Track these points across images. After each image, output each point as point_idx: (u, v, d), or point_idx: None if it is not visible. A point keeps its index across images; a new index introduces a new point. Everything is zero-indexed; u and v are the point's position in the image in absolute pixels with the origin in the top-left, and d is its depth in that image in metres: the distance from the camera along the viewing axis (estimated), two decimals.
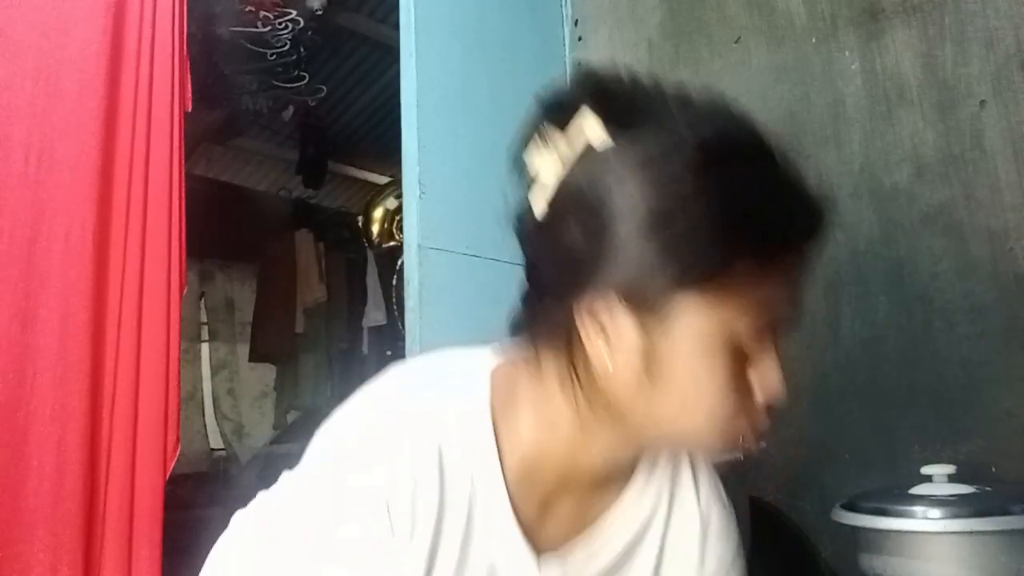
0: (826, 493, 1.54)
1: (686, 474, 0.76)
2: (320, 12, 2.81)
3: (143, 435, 1.44)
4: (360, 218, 4.14)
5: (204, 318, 4.33)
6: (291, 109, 3.46)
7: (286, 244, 4.12)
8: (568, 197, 0.60)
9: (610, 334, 0.58)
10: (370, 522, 0.62)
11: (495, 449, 0.65)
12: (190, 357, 4.14)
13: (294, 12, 2.81)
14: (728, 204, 0.56)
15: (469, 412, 0.66)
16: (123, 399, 1.44)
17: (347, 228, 4.37)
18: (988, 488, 1.11)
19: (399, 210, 3.67)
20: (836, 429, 1.55)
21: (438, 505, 0.64)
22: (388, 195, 3.97)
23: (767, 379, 0.61)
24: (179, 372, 1.50)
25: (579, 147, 0.60)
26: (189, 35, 1.63)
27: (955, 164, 1.41)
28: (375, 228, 4.11)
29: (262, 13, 2.78)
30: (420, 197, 1.81)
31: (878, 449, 1.47)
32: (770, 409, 0.63)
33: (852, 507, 1.14)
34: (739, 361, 0.59)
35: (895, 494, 1.13)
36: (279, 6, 2.79)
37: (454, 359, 0.71)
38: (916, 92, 1.47)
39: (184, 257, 1.55)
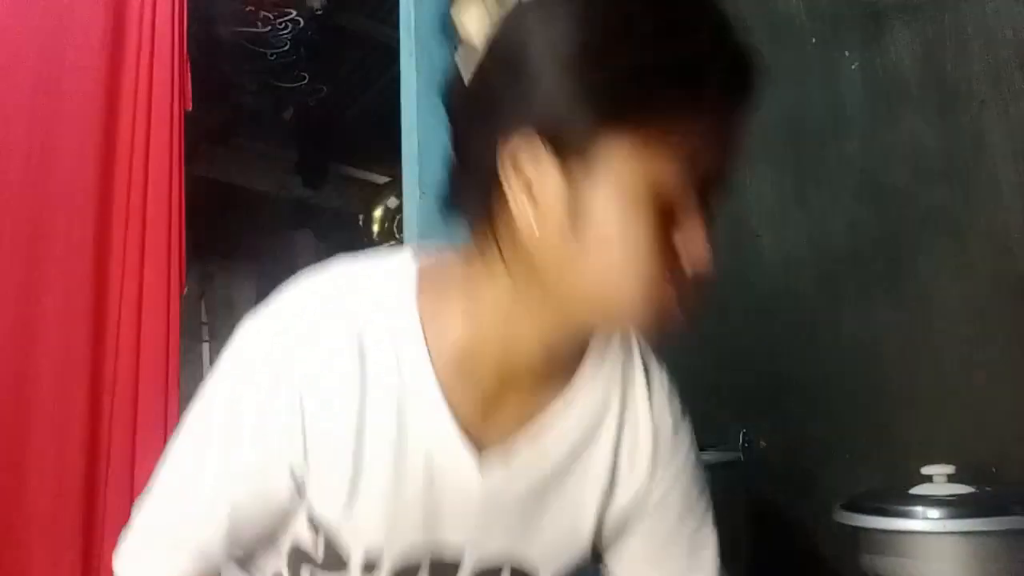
0: (826, 493, 1.54)
1: (639, 378, 0.73)
2: (320, 12, 2.81)
3: (142, 435, 1.44)
4: (361, 217, 4.14)
5: (205, 318, 4.32)
6: (291, 109, 3.46)
7: (286, 244, 4.12)
8: (497, 52, 0.58)
9: (533, 181, 0.56)
10: (278, 408, 0.62)
11: (422, 340, 0.63)
12: (191, 357, 4.13)
13: (294, 12, 2.81)
14: (657, 39, 0.54)
15: (392, 302, 0.64)
16: (123, 399, 1.44)
17: (347, 228, 4.37)
18: (988, 488, 1.11)
19: (400, 209, 3.67)
20: (836, 429, 1.54)
21: (359, 397, 0.62)
22: (389, 194, 3.97)
23: (693, 244, 0.58)
24: (179, 372, 1.50)
25: (509, 3, 0.59)
26: (189, 35, 1.63)
27: (955, 164, 1.40)
28: (376, 227, 4.11)
29: (262, 13, 2.78)
30: (420, 197, 1.81)
31: (878, 449, 1.47)
32: (698, 281, 0.59)
33: (852, 507, 1.14)
34: (666, 222, 0.56)
35: (895, 494, 1.13)
36: (279, 6, 2.79)
37: (374, 259, 0.69)
38: (916, 92, 1.47)
39: (184, 257, 1.55)
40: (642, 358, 0.74)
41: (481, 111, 0.59)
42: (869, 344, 1.51)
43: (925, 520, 1.04)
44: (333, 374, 0.62)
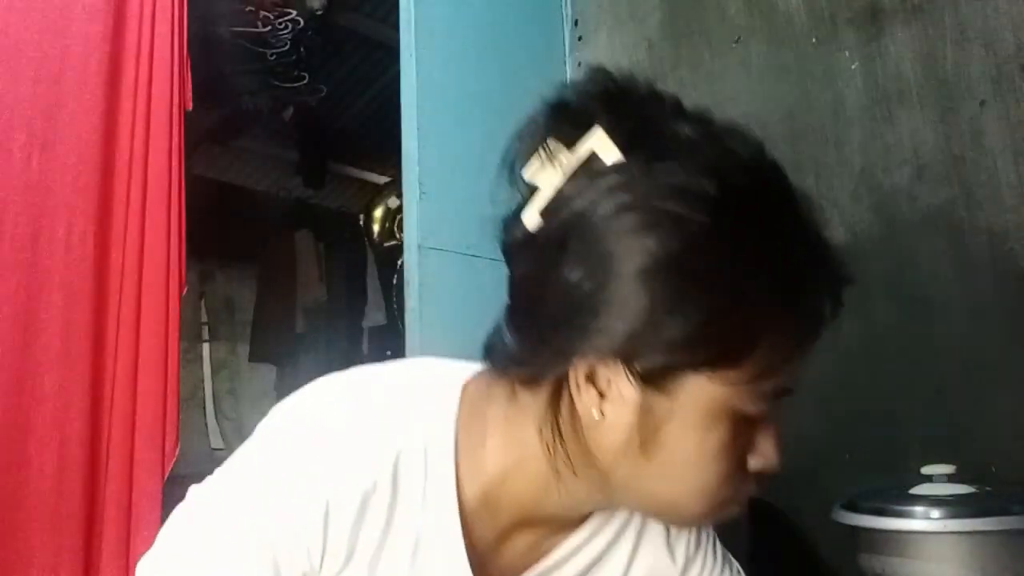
0: (826, 493, 1.53)
1: (656, 528, 0.71)
2: (320, 12, 2.81)
3: (141, 435, 1.44)
4: (362, 217, 4.15)
5: (205, 318, 4.32)
6: (291, 109, 3.46)
7: (286, 244, 4.12)
8: (566, 213, 0.52)
9: (606, 395, 0.53)
10: (300, 518, 0.58)
11: (453, 476, 0.60)
12: (191, 357, 4.13)
13: (294, 12, 2.82)
14: (756, 264, 0.50)
15: (433, 427, 0.60)
16: (122, 399, 1.44)
17: (347, 228, 4.37)
18: (988, 488, 1.11)
19: (400, 209, 3.67)
20: (836, 429, 1.54)
21: (386, 517, 0.59)
22: (389, 193, 3.97)
23: (766, 450, 0.56)
24: (178, 372, 1.50)
25: (583, 156, 0.53)
26: (189, 35, 1.63)
27: (955, 164, 1.40)
28: (376, 227, 4.12)
29: (262, 13, 2.78)
30: (420, 197, 1.81)
31: (878, 449, 1.47)
32: (761, 479, 0.58)
33: (852, 507, 1.14)
34: (739, 431, 0.54)
35: (895, 494, 1.13)
36: (279, 6, 2.79)
37: (429, 365, 0.67)
38: (916, 92, 1.47)
39: (184, 257, 1.55)
40: None
41: (550, 290, 0.53)
42: (869, 344, 1.51)
43: (925, 520, 1.04)
44: (364, 504, 0.58)
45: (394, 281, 3.88)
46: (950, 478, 1.11)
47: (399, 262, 3.11)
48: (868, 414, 1.49)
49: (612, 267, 0.50)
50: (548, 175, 0.54)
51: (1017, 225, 1.31)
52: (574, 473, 0.58)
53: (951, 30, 1.42)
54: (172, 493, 1.45)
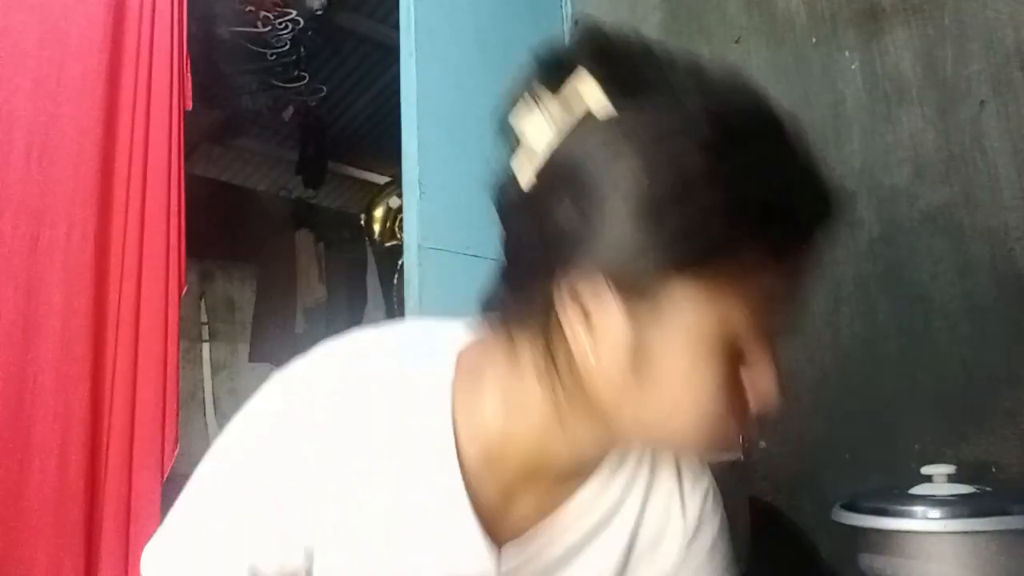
0: (826, 493, 1.53)
1: (667, 479, 0.71)
2: (320, 12, 2.81)
3: (140, 435, 1.44)
4: (362, 216, 4.15)
5: (205, 318, 4.32)
6: (291, 109, 3.46)
7: (286, 244, 4.12)
8: (560, 168, 0.54)
9: (595, 321, 0.53)
10: (295, 471, 0.60)
11: (451, 432, 0.61)
12: (192, 357, 4.13)
13: (294, 12, 2.82)
14: (741, 186, 0.51)
15: (426, 389, 0.61)
16: (122, 399, 1.43)
17: (347, 228, 4.37)
18: (988, 488, 1.11)
19: (401, 209, 3.67)
20: (836, 429, 1.54)
21: (388, 490, 0.60)
22: (390, 193, 3.97)
23: (762, 383, 0.56)
24: (178, 372, 1.50)
25: (577, 113, 0.54)
26: (189, 35, 1.63)
27: (955, 164, 1.40)
28: (376, 227, 4.12)
29: (262, 13, 2.78)
30: (420, 197, 1.81)
31: (878, 449, 1.47)
32: (763, 415, 0.57)
33: (852, 507, 1.14)
34: (733, 361, 0.54)
35: (895, 494, 1.13)
36: (279, 6, 2.79)
37: (422, 328, 0.68)
38: (916, 92, 1.47)
39: (184, 257, 1.55)
40: (676, 463, 0.71)
41: (541, 232, 0.54)
42: (869, 344, 1.51)
43: (925, 520, 1.04)
44: (358, 462, 0.60)
45: (394, 281, 3.88)
46: (950, 478, 1.11)
47: (399, 262, 3.11)
48: (868, 414, 1.49)
49: (599, 200, 0.51)
50: (536, 123, 0.55)
51: (1017, 225, 1.31)
52: (572, 411, 0.58)
53: (951, 30, 1.42)
54: (172, 493, 1.45)
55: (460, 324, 0.66)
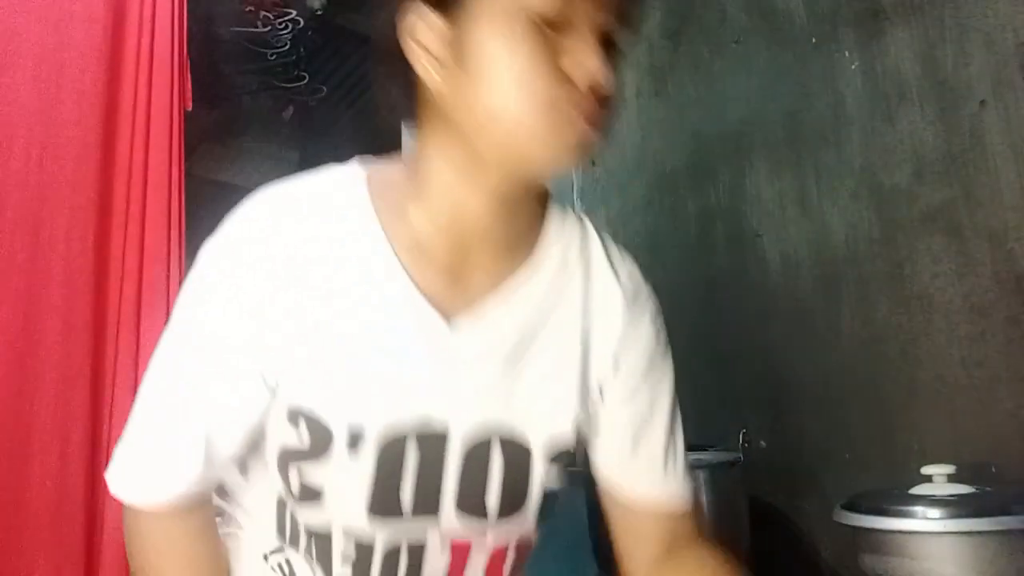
0: (826, 493, 1.53)
1: (597, 249, 0.77)
2: (320, 12, 2.81)
3: None
4: None
5: None
6: (291, 109, 3.46)
7: None
8: None
9: (426, 41, 0.62)
10: (242, 310, 0.66)
11: (378, 226, 0.68)
12: None
13: (294, 12, 2.81)
14: None
15: (343, 199, 0.69)
16: (122, 400, 1.43)
17: None
18: (988, 488, 1.11)
19: None
20: (836, 429, 1.55)
21: (322, 283, 0.66)
22: None
23: (583, 62, 0.60)
24: None
25: None
26: (189, 35, 1.63)
27: (955, 164, 1.40)
28: None
29: (262, 13, 2.78)
30: None
31: (878, 449, 1.47)
32: (597, 97, 0.61)
33: (852, 507, 1.14)
34: (551, 49, 0.60)
35: (895, 494, 1.13)
36: (279, 6, 2.79)
37: (318, 173, 0.74)
38: (916, 92, 1.47)
39: (184, 257, 1.55)
40: (597, 232, 0.78)
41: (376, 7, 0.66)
42: (869, 344, 1.51)
43: (925, 520, 1.04)
44: (293, 267, 0.66)
45: None
46: (950, 478, 1.11)
47: None
48: (868, 414, 1.49)
49: None
50: None
51: (1017, 225, 1.31)
52: (464, 159, 0.66)
53: (951, 30, 1.42)
54: None
55: (351, 162, 0.74)
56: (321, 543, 0.71)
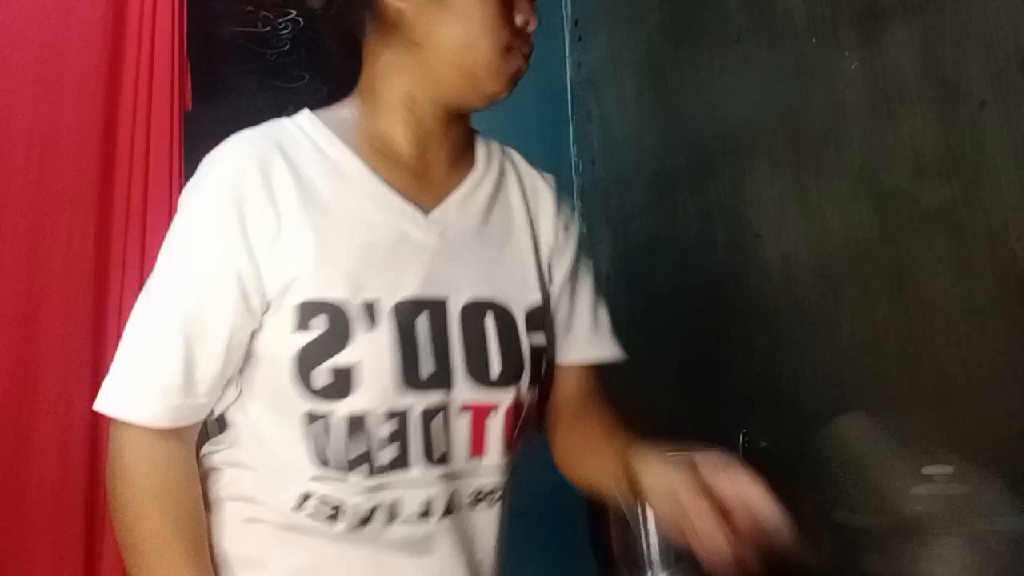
0: (826, 493, 1.54)
1: (520, 162, 0.99)
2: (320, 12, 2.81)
3: None
4: None
5: None
6: (291, 109, 3.46)
7: None
8: None
9: None
10: (222, 229, 0.77)
11: (337, 139, 0.83)
12: None
13: (294, 12, 2.81)
14: None
15: (303, 125, 0.84)
16: None
17: None
18: (988, 488, 1.11)
19: None
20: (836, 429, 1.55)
21: (292, 180, 0.79)
22: None
23: (523, 12, 0.82)
24: None
25: None
26: (189, 35, 1.63)
27: (955, 164, 1.40)
28: None
29: (262, 13, 2.78)
30: None
31: (878, 449, 1.47)
32: (527, 36, 0.83)
33: (852, 507, 1.14)
34: (507, 1, 0.80)
35: (895, 494, 1.13)
36: (279, 6, 2.79)
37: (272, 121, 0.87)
38: (916, 92, 1.47)
39: None
40: (511, 153, 0.98)
41: None
42: (869, 344, 1.51)
43: (925, 520, 1.04)
44: (266, 179, 0.78)
45: None
46: (950, 478, 1.11)
47: None
48: (868, 414, 1.49)
49: None
50: None
51: (1017, 225, 1.31)
52: (418, 59, 0.81)
53: (951, 30, 1.42)
54: None
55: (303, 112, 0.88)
56: (355, 441, 0.76)
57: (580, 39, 2.31)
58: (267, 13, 2.79)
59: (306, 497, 0.78)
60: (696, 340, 1.87)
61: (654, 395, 1.97)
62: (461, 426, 0.81)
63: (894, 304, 1.47)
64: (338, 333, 0.75)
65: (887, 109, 1.52)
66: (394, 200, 0.81)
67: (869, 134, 1.54)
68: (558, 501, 1.58)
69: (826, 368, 1.57)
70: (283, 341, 0.76)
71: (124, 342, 0.78)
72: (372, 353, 0.76)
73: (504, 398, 0.83)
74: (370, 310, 0.76)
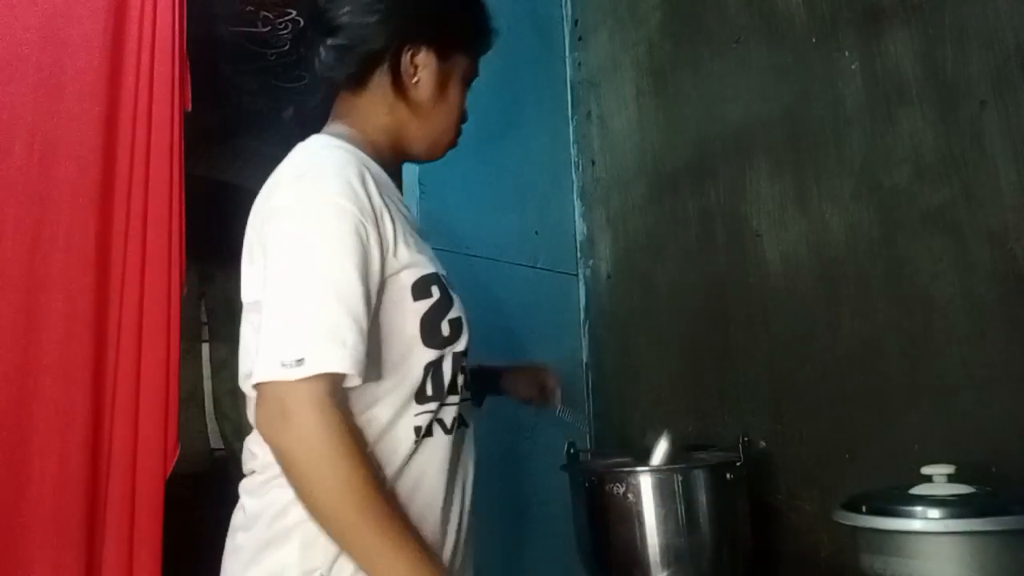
0: (826, 493, 1.54)
1: None
2: None
3: (143, 435, 1.43)
4: None
5: (204, 318, 4.32)
6: (291, 109, 3.46)
7: None
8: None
9: (421, 69, 1.10)
10: (359, 208, 0.95)
11: (368, 158, 1.05)
12: (191, 357, 4.13)
13: (294, 12, 2.81)
14: (480, 10, 1.18)
15: (353, 150, 1.04)
16: (123, 400, 1.43)
17: None
18: (988, 488, 1.11)
19: None
20: (836, 429, 1.55)
21: (376, 187, 1.00)
22: None
23: (464, 105, 1.17)
24: (179, 372, 1.50)
25: None
26: (189, 35, 1.63)
27: (955, 164, 1.41)
28: None
29: (262, 13, 2.78)
30: (420, 197, 1.81)
31: (878, 449, 1.47)
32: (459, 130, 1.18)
33: (852, 507, 1.14)
34: (463, 92, 1.16)
35: (895, 494, 1.13)
36: (279, 6, 2.79)
37: (313, 140, 1.10)
38: (916, 92, 1.47)
39: (184, 257, 1.55)
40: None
41: (378, 23, 1.08)
42: (869, 344, 1.51)
43: (925, 520, 1.04)
44: (366, 194, 0.97)
45: None
46: (950, 478, 1.11)
47: None
48: (868, 414, 1.50)
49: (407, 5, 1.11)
50: None
51: (1017, 225, 1.31)
52: (405, 118, 1.12)
53: (951, 30, 1.43)
54: (172, 493, 1.45)
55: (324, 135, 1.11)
56: (455, 375, 1.02)
57: (580, 39, 2.31)
58: (267, 13, 2.79)
59: (418, 413, 1.00)
60: (696, 340, 1.87)
61: (654, 395, 1.97)
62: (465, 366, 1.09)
63: (894, 304, 1.48)
64: (446, 296, 1.01)
65: (887, 109, 1.52)
66: (402, 201, 1.10)
67: (869, 134, 1.54)
68: (558, 501, 1.58)
69: (826, 368, 1.57)
70: (411, 308, 0.99)
71: (296, 307, 0.89)
72: (463, 309, 1.05)
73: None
74: (448, 281, 1.05)
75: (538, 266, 2.09)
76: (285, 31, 2.88)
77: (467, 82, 1.16)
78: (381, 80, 1.09)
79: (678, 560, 1.34)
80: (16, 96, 1.42)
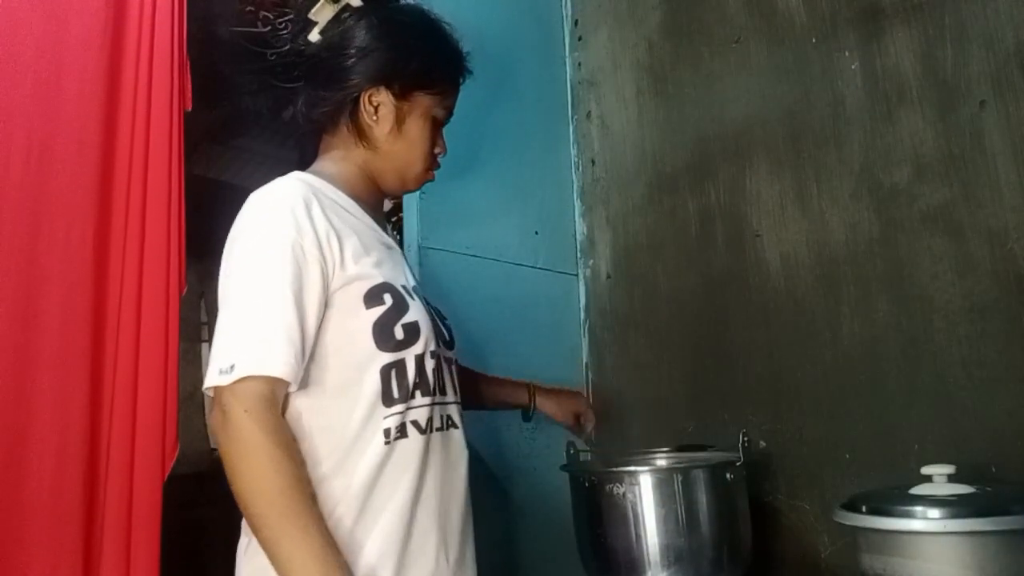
0: (826, 493, 1.54)
1: None
2: None
3: (142, 435, 1.44)
4: None
5: (204, 318, 4.32)
6: (291, 109, 3.46)
7: None
8: (342, 29, 1.23)
9: (380, 108, 1.22)
10: (309, 238, 1.05)
11: (336, 189, 1.16)
12: (190, 357, 4.13)
13: (294, 12, 2.81)
14: (442, 51, 1.28)
15: (310, 179, 1.14)
16: (122, 400, 1.43)
17: None
18: (988, 488, 1.11)
19: (400, 208, 3.66)
20: (836, 429, 1.54)
21: (324, 213, 1.09)
22: None
23: (441, 144, 1.29)
24: (178, 372, 1.50)
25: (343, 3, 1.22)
26: (189, 35, 1.63)
27: (955, 164, 1.40)
28: None
29: (262, 13, 2.78)
30: (420, 197, 1.81)
31: (878, 449, 1.47)
32: (436, 163, 1.30)
33: (852, 507, 1.14)
34: (433, 130, 1.26)
35: (895, 494, 1.13)
36: (279, 6, 2.79)
37: (282, 177, 1.15)
38: (916, 92, 1.47)
39: (184, 257, 1.55)
40: None
41: (341, 69, 1.22)
42: (869, 344, 1.51)
43: (925, 520, 1.04)
44: (315, 201, 1.10)
45: None
46: (950, 478, 1.11)
47: None
48: (868, 414, 1.49)
49: (374, 45, 1.23)
50: (324, 11, 1.25)
51: (1017, 225, 1.31)
52: (370, 157, 1.24)
53: (951, 30, 1.42)
54: (172, 493, 1.45)
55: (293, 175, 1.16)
56: (421, 377, 1.10)
57: (580, 39, 2.31)
58: (267, 13, 2.79)
59: (388, 415, 1.08)
60: (696, 340, 1.87)
61: (655, 395, 1.97)
62: (447, 368, 1.19)
63: (894, 304, 1.47)
64: (400, 303, 1.10)
65: (887, 109, 1.52)
66: (375, 226, 1.20)
67: (869, 134, 1.54)
68: (558, 501, 1.58)
69: (826, 368, 1.57)
70: (364, 317, 1.07)
71: (232, 322, 1.00)
72: (420, 316, 1.12)
73: (453, 355, 1.23)
74: (406, 290, 1.13)
75: (538, 266, 2.09)
76: (285, 31, 2.88)
77: (438, 117, 1.25)
78: (346, 121, 1.22)
79: (678, 560, 1.34)
80: (16, 96, 1.42)
